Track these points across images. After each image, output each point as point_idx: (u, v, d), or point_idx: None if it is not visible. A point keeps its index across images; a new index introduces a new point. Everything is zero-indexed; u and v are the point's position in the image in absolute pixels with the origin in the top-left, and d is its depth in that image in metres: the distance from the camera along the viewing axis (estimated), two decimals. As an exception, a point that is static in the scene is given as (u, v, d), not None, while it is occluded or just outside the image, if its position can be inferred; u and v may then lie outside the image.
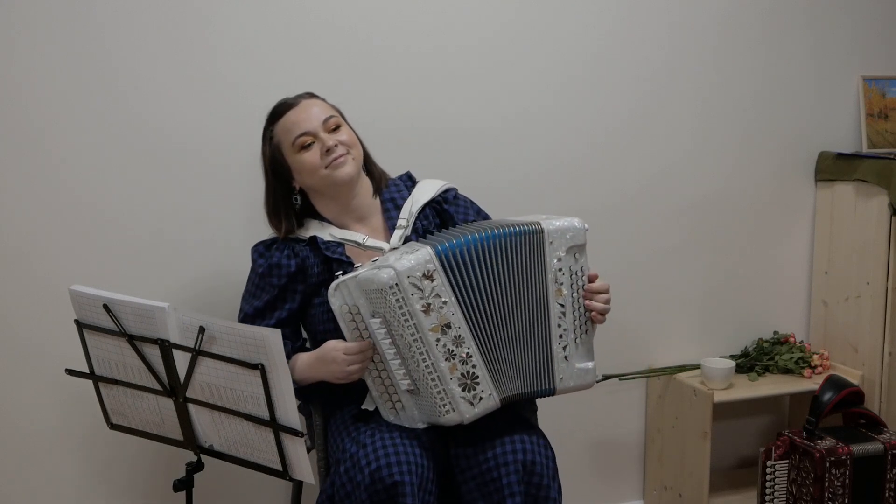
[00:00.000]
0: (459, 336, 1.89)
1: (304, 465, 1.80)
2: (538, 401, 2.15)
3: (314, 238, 2.11)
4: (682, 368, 2.91)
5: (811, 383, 2.88)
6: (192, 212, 2.43)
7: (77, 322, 1.90)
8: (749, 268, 3.04)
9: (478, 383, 1.91)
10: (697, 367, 2.90)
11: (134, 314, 1.81)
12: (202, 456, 1.93)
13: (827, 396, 2.76)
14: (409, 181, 2.25)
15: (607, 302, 2.03)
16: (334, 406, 2.11)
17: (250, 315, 2.09)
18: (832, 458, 2.63)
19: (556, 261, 1.97)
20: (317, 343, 2.06)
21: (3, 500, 2.38)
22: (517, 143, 2.71)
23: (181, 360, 1.81)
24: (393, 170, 2.26)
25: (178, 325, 1.78)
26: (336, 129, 2.09)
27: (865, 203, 2.87)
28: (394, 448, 1.86)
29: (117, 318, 1.82)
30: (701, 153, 2.93)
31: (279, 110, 2.11)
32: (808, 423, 2.73)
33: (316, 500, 1.95)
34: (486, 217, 2.24)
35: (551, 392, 2.00)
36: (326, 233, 2.12)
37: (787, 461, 2.73)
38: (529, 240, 1.95)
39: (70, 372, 1.98)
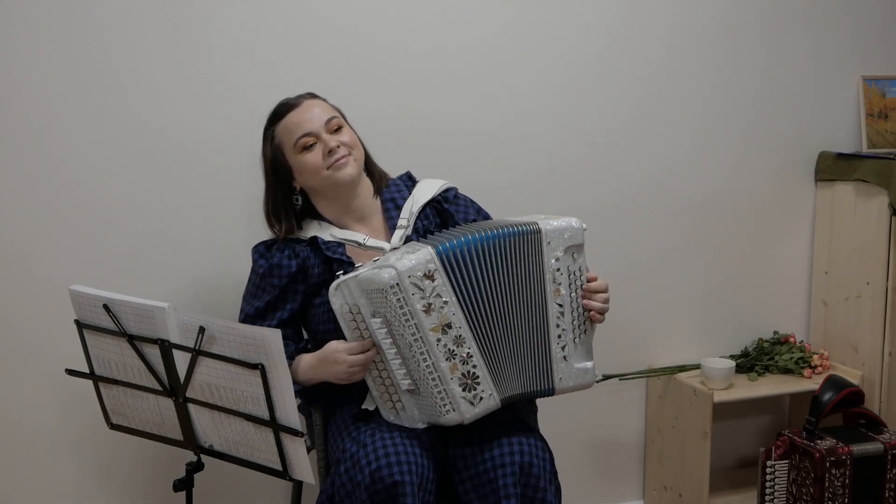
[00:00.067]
0: (460, 336, 1.89)
1: (304, 465, 1.80)
2: (538, 401, 2.15)
3: (315, 238, 2.11)
4: (682, 368, 2.91)
5: (811, 383, 2.88)
6: (192, 212, 2.43)
7: (77, 322, 1.90)
8: (749, 268, 3.04)
9: (478, 383, 1.91)
10: (697, 367, 2.90)
11: (134, 314, 1.81)
12: (202, 456, 1.93)
13: (827, 396, 2.76)
14: (409, 181, 2.25)
15: (606, 301, 2.03)
16: (334, 406, 2.11)
17: (251, 315, 2.09)
18: (832, 458, 2.63)
19: (553, 261, 1.97)
20: (317, 343, 2.06)
21: (3, 500, 2.38)
22: (517, 143, 2.71)
23: (181, 360, 1.81)
24: (393, 170, 2.26)
25: (178, 325, 1.78)
26: (338, 129, 2.09)
27: (865, 203, 2.87)
28: (394, 448, 1.86)
29: (117, 318, 1.82)
30: (701, 153, 2.93)
31: (281, 111, 2.11)
32: (808, 423, 2.73)
33: (316, 500, 1.95)
34: (486, 216, 2.24)
35: (550, 392, 2.00)
36: (327, 233, 2.12)
37: (787, 461, 2.73)
38: (527, 240, 1.95)
39: (70, 372, 1.98)
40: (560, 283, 1.98)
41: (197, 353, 1.77)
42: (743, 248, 3.03)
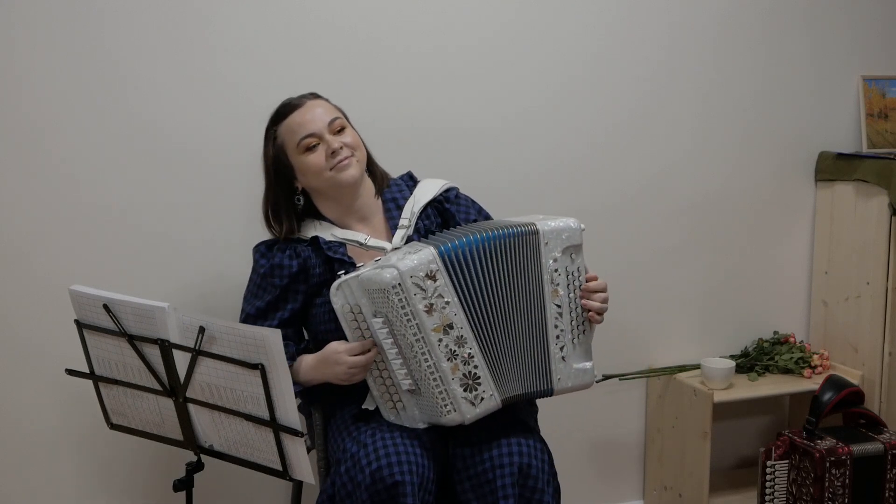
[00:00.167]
0: (462, 336, 1.89)
1: (304, 465, 1.80)
2: (538, 401, 2.14)
3: (316, 238, 2.11)
4: (682, 368, 2.91)
5: (811, 383, 2.88)
6: (192, 212, 2.43)
7: (77, 322, 1.90)
8: (749, 268, 3.04)
9: (479, 384, 1.91)
10: (697, 367, 2.90)
11: (134, 314, 1.81)
12: (202, 456, 1.93)
13: (827, 396, 2.76)
14: (410, 181, 2.25)
15: (605, 301, 2.03)
16: (335, 406, 2.11)
17: (252, 315, 2.09)
18: (832, 458, 2.63)
19: (551, 261, 1.97)
20: (318, 344, 2.06)
21: (3, 500, 2.38)
22: (517, 143, 2.71)
23: (181, 360, 1.81)
24: (393, 170, 2.26)
25: (178, 325, 1.78)
26: (341, 130, 2.09)
27: (865, 203, 2.87)
28: (394, 448, 1.86)
29: (117, 318, 1.82)
30: (701, 153, 2.93)
31: (283, 111, 2.11)
32: (808, 423, 2.73)
33: (316, 500, 1.95)
34: (487, 217, 2.24)
35: (549, 393, 2.00)
36: (328, 233, 2.12)
37: (787, 461, 2.73)
38: (525, 241, 1.95)
39: (70, 372, 1.98)
40: (558, 284, 1.98)
41: (197, 353, 1.77)
42: (743, 248, 3.03)
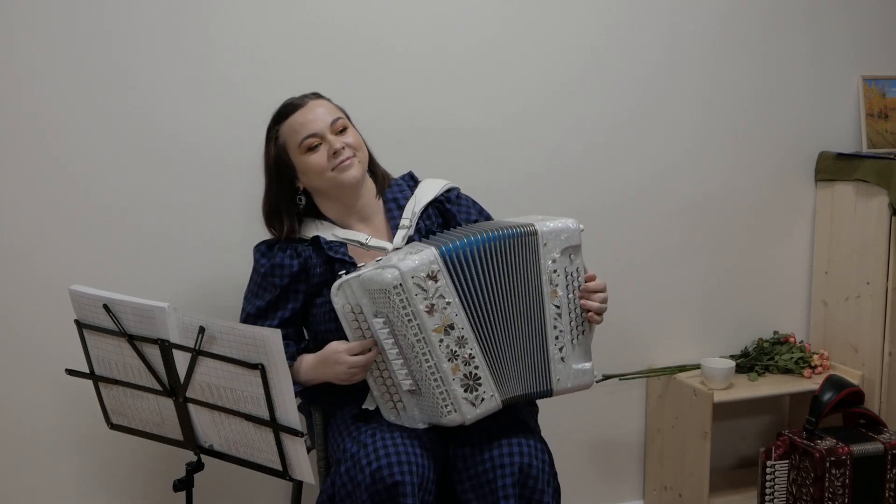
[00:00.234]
0: (463, 337, 1.89)
1: (304, 465, 1.80)
2: (539, 401, 2.14)
3: (317, 238, 2.10)
4: (682, 368, 2.91)
5: (811, 383, 2.88)
6: (192, 212, 2.43)
7: (77, 322, 1.90)
8: (749, 268, 3.04)
9: (480, 384, 1.91)
10: (697, 367, 2.90)
11: (134, 314, 1.81)
12: (202, 456, 1.93)
13: (827, 396, 2.76)
14: (411, 181, 2.25)
15: (604, 301, 2.03)
16: (335, 406, 2.11)
17: (253, 314, 2.09)
18: (832, 458, 2.63)
19: (550, 262, 1.97)
20: (319, 344, 2.06)
21: (3, 500, 2.37)
22: (517, 143, 2.71)
23: (181, 360, 1.81)
24: (394, 170, 2.26)
25: (178, 325, 1.78)
26: (343, 131, 2.09)
27: (865, 203, 2.87)
28: (395, 448, 1.86)
29: (117, 318, 1.82)
30: (701, 153, 2.93)
31: (285, 111, 2.10)
32: (808, 423, 2.73)
33: (316, 500, 1.95)
34: (488, 217, 2.24)
35: (548, 393, 2.00)
36: (329, 233, 2.12)
37: (787, 461, 2.73)
38: (523, 242, 1.95)
39: (70, 372, 1.98)
40: (557, 285, 1.98)
41: (197, 353, 1.77)
42: (743, 248, 3.03)
